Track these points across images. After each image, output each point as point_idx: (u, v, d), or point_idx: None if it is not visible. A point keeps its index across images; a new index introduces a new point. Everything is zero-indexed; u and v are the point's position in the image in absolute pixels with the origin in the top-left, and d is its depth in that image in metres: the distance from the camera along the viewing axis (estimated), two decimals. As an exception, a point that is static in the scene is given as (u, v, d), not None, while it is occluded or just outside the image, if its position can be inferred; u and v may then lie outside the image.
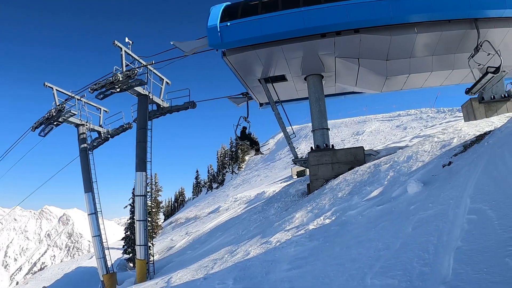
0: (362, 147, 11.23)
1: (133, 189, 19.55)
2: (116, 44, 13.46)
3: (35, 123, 16.28)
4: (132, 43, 14.15)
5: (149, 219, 20.15)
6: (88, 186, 16.67)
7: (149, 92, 14.87)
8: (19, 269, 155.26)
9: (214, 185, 55.62)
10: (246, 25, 10.03)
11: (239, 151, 54.92)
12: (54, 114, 15.62)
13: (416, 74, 11.23)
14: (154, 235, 27.44)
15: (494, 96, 11.31)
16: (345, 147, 22.99)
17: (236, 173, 52.66)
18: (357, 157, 10.54)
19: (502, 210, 3.06)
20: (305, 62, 11.24)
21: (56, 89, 16.09)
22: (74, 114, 16.28)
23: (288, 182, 19.52)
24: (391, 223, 4.51)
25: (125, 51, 13.73)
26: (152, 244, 18.49)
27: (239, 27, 10.06)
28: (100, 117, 18.29)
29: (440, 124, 25.05)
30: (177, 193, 71.15)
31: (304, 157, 13.05)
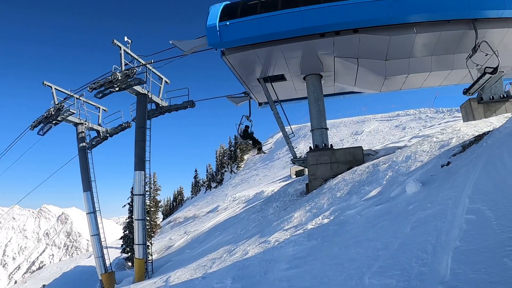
0: (361, 147, 11.24)
1: (132, 188, 19.58)
2: (115, 43, 13.43)
3: (34, 122, 16.26)
4: (131, 42, 14.15)
5: (148, 218, 20.17)
6: (87, 185, 16.65)
7: (148, 91, 14.85)
8: (17, 268, 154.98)
9: (213, 185, 55.62)
10: (245, 25, 10.02)
11: (238, 150, 54.91)
12: (53, 113, 15.60)
13: (415, 74, 11.24)
14: (152, 234, 27.46)
15: (493, 97, 11.33)
16: (344, 147, 23.02)
17: (235, 173, 52.66)
18: (356, 157, 10.55)
19: (501, 210, 3.07)
20: (304, 62, 11.24)
21: (55, 88, 16.08)
22: (73, 113, 16.25)
23: (287, 182, 19.53)
24: (390, 223, 4.52)
25: (124, 50, 13.71)
26: (150, 243, 18.47)
27: (238, 26, 10.04)
28: (99, 116, 18.28)
29: (439, 124, 25.09)
30: (176, 192, 71.15)
31: (303, 156, 13.06)
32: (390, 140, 25.52)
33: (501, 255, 2.50)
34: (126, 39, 13.95)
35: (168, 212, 63.88)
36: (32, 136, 16.44)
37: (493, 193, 3.44)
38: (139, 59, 14.22)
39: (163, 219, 51.58)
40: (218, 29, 10.06)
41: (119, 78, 13.20)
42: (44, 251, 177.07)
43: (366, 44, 10.09)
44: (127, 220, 25.83)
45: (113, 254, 22.04)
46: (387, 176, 6.82)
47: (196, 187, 63.93)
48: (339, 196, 7.43)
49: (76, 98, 16.28)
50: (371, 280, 3.36)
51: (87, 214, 16.78)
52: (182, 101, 15.85)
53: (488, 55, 9.26)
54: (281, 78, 12.32)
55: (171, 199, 71.30)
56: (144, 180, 14.34)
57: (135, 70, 13.46)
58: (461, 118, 13.25)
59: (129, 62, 13.91)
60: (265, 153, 18.31)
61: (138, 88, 14.24)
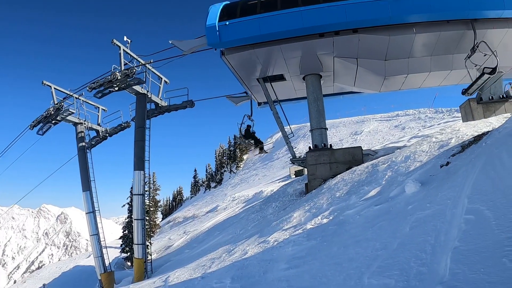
0: (360, 147, 11.24)
1: (131, 188, 19.58)
2: (115, 43, 13.42)
3: (33, 122, 16.26)
4: (131, 41, 14.15)
5: (147, 218, 20.16)
6: (86, 185, 16.65)
7: (148, 91, 14.85)
8: (17, 268, 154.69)
9: (212, 184, 55.60)
10: (244, 25, 10.02)
11: (238, 150, 54.90)
12: (52, 112, 15.60)
13: (415, 74, 11.25)
14: (152, 234, 27.45)
15: (492, 97, 11.35)
16: (343, 147, 23.03)
17: (234, 173, 52.66)
18: (355, 157, 10.56)
19: (500, 211, 3.06)
20: (303, 62, 11.24)
21: (54, 88, 16.08)
22: (73, 113, 16.25)
23: (286, 182, 19.54)
24: (389, 222, 4.52)
25: (123, 49, 13.71)
26: (150, 243, 18.49)
27: (237, 26, 10.04)
28: (98, 115, 18.27)
29: (438, 124, 25.12)
30: (175, 192, 71.08)
31: (302, 156, 13.07)
32: (390, 140, 25.55)
33: (500, 255, 2.50)
34: (125, 38, 13.96)
35: (168, 212, 63.82)
36: (32, 135, 16.48)
37: (492, 193, 3.44)
38: (139, 59, 14.22)
39: (163, 219, 51.55)
40: (217, 29, 10.06)
41: (119, 77, 13.20)
42: (43, 250, 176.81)
43: (365, 44, 10.09)
44: (127, 220, 25.83)
45: (113, 254, 22.05)
46: (386, 176, 6.82)
47: (195, 187, 63.89)
48: (338, 196, 7.43)
49: (76, 98, 16.27)
50: (370, 280, 3.36)
51: (86, 213, 16.78)
52: (182, 101, 15.87)
53: (486, 55, 9.27)
54: (281, 78, 12.32)
55: (171, 199, 71.24)
56: (144, 180, 14.34)
57: (134, 70, 13.45)
58: (461, 118, 13.26)
59: (129, 62, 13.92)
60: (266, 152, 18.36)
61: (137, 87, 14.23)
